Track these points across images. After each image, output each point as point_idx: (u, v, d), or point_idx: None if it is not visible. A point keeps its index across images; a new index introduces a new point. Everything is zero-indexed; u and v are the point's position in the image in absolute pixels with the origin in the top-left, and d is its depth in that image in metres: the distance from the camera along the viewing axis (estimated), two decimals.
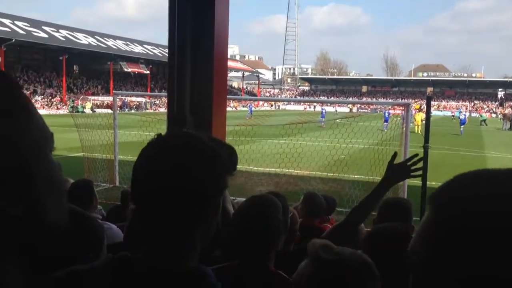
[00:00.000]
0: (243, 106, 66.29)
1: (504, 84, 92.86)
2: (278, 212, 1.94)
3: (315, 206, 4.05)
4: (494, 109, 78.53)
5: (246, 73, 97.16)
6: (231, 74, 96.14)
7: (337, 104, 70.92)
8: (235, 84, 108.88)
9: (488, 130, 38.98)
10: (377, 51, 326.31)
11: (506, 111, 50.69)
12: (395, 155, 2.33)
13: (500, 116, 56.95)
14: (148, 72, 66.56)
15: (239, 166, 9.39)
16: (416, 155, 2.24)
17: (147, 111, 49.60)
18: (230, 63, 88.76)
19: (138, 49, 67.89)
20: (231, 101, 73.26)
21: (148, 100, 57.62)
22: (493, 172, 0.64)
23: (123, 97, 47.97)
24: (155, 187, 1.01)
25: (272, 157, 12.84)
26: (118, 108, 16.28)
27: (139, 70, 66.11)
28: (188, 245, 1.07)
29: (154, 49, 71.15)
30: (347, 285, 1.28)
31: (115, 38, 67.34)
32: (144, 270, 1.02)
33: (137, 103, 56.52)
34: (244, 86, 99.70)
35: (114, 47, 63.30)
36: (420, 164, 2.19)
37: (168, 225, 1.03)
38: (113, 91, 40.61)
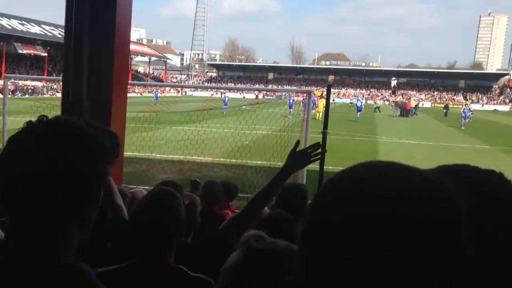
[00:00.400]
0: (148, 92, 64.50)
1: (397, 74, 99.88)
2: (179, 205, 1.95)
3: (214, 193, 4.17)
4: (387, 97, 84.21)
5: (153, 58, 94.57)
6: (137, 58, 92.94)
7: (244, 91, 71.58)
8: (141, 69, 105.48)
9: (381, 117, 41.76)
10: (284, 39, 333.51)
11: (398, 99, 54.61)
12: (297, 143, 2.33)
13: (392, 103, 61.15)
14: (45, 54, 62.32)
15: (141, 154, 9.31)
16: (318, 143, 2.30)
17: (43, 96, 46.59)
18: (136, 47, 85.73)
19: (35, 29, 63.17)
20: (136, 86, 71.04)
21: (45, 85, 54.06)
22: (369, 165, 0.68)
23: (16, 81, 44.56)
24: (16, 175, 0.93)
25: (176, 144, 12.79)
26: (10, 93, 15.15)
27: (36, 52, 61.70)
28: (63, 241, 0.98)
29: (53, 30, 66.59)
30: (279, 274, 1.23)
31: (9, 17, 61.97)
32: (13, 270, 0.93)
33: (32, 88, 52.83)
34: (151, 72, 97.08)
35: (8, 26, 58.36)
36: (319, 151, 2.25)
37: (37, 219, 0.94)
38: (5, 74, 37.19)
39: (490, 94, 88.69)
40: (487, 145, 21.79)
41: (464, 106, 36.36)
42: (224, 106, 31.67)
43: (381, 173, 0.63)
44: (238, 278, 1.24)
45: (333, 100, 70.11)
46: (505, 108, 77.74)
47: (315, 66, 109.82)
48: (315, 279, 0.61)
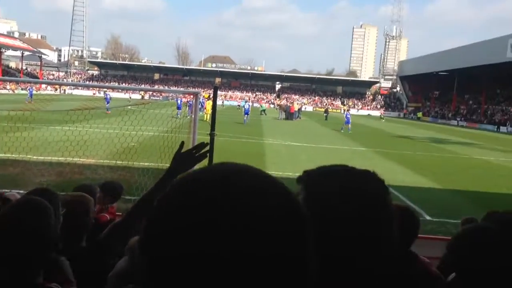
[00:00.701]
0: (22, 89, 59.62)
1: (281, 78, 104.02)
2: (45, 218, 1.75)
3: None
4: (272, 100, 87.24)
5: (26, 53, 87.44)
6: (7, 52, 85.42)
7: (130, 91, 69.31)
8: (12, 64, 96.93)
9: (267, 120, 43.13)
10: (170, 39, 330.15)
11: (282, 103, 56.78)
12: (182, 144, 2.25)
13: (276, 107, 63.47)
14: None
15: (14, 155, 8.45)
16: (202, 143, 2.23)
17: None
18: (7, 40, 78.91)
19: None
20: (7, 83, 65.14)
21: None
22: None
23: None
24: None
25: (54, 145, 11.86)
26: None
27: None
28: None
29: None
30: None
31: None
32: None
33: None
34: (24, 67, 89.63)
35: None
36: (206, 151, 2.18)
37: None
38: None
39: (364, 100, 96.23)
40: (363, 147, 23.52)
41: (346, 112, 38.09)
42: (107, 105, 30.35)
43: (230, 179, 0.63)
44: (126, 283, 1.24)
45: (223, 102, 71.08)
46: (377, 113, 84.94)
47: (202, 68, 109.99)
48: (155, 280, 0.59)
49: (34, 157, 11.88)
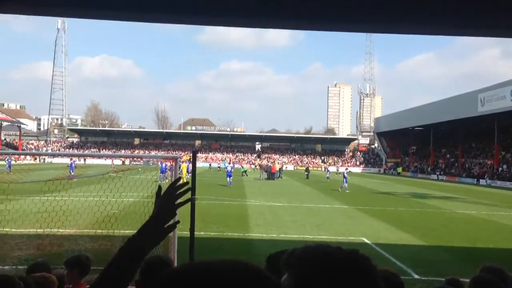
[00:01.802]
0: (0, 160, 58.76)
1: (260, 138, 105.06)
2: None
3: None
4: (253, 161, 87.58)
5: (5, 123, 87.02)
6: None
7: (111, 157, 68.89)
8: None
9: (249, 180, 43.08)
10: (149, 104, 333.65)
11: (263, 163, 57.05)
12: (159, 189, 1.90)
13: (257, 167, 63.62)
14: None
15: None
16: (179, 178, 2.06)
17: None
18: None
19: None
20: None
21: None
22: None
23: None
24: None
25: (32, 216, 11.58)
26: None
27: None
28: None
29: None
30: None
31: None
32: None
33: None
34: (2, 138, 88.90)
35: None
36: (187, 186, 1.87)
37: None
38: None
39: (343, 157, 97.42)
40: (345, 205, 23.53)
41: (345, 171, 36.75)
42: (72, 172, 30.25)
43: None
44: None
45: (210, 165, 71.35)
46: (357, 169, 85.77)
47: (182, 131, 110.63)
48: None
49: (12, 230, 11.55)
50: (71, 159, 40.80)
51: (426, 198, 30.28)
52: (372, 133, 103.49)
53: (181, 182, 1.94)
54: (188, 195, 1.96)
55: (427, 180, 62.63)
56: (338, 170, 47.60)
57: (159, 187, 1.92)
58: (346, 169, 39.41)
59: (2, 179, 16.31)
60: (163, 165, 33.36)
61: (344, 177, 34.65)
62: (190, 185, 1.99)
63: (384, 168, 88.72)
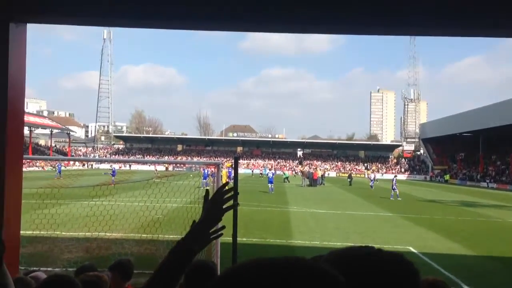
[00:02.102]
0: (51, 166, 61.19)
1: (302, 145, 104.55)
2: None
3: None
4: (294, 167, 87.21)
5: (55, 130, 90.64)
6: (37, 131, 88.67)
7: (155, 163, 70.50)
8: (42, 142, 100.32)
9: (291, 187, 42.89)
10: (191, 111, 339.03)
11: (305, 169, 56.64)
12: (207, 193, 1.92)
13: (299, 173, 63.28)
14: None
15: (42, 232, 8.44)
16: (227, 183, 1.98)
17: None
18: (36, 119, 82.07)
19: None
20: (37, 160, 67.06)
21: None
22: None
23: None
24: None
25: (81, 220, 11.96)
26: None
27: None
28: None
29: None
30: None
31: None
32: None
33: None
34: (53, 144, 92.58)
35: None
36: (232, 191, 1.90)
37: None
38: None
39: (387, 163, 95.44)
40: (390, 212, 22.98)
41: (394, 178, 35.65)
42: (113, 178, 30.98)
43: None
44: None
45: (252, 171, 71.68)
46: (402, 177, 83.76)
47: (224, 137, 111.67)
48: None
49: (62, 233, 11.94)
50: (110, 166, 41.94)
51: (476, 206, 29.15)
52: (417, 139, 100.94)
53: (227, 187, 1.96)
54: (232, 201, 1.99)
55: (477, 188, 60.39)
56: (372, 178, 45.92)
57: (207, 191, 1.93)
58: (395, 176, 38.26)
59: (53, 184, 16.98)
60: (205, 171, 33.82)
61: (393, 184, 33.63)
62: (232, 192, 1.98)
63: (430, 175, 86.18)
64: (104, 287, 2.67)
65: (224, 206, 1.95)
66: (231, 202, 1.96)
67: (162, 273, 1.78)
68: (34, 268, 6.03)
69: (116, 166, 45.82)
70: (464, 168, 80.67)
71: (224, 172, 34.64)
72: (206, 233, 1.83)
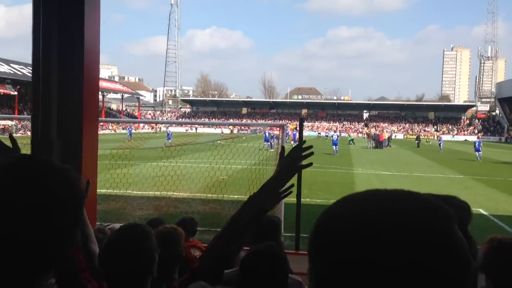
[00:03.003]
0: (122, 129, 64.13)
1: (368, 106, 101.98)
2: (147, 240, 1.88)
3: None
4: (360, 129, 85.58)
5: (126, 95, 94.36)
6: (109, 95, 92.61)
7: (220, 126, 71.87)
8: (114, 106, 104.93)
9: (356, 149, 42.26)
10: (256, 74, 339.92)
11: (371, 131, 55.46)
12: (283, 149, 1.97)
13: (365, 136, 62.11)
14: (15, 93, 61.55)
15: (116, 191, 8.96)
16: (304, 141, 1.96)
17: (14, 135, 45.78)
18: (108, 85, 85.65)
19: (3, 68, 62.46)
20: (110, 123, 70.53)
21: (15, 123, 53.16)
22: (359, 195, 0.73)
23: None
24: None
25: (151, 180, 12.55)
26: None
27: (5, 91, 60.95)
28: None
29: (22, 68, 65.88)
30: None
31: None
32: None
33: (3, 126, 51.86)
34: (124, 108, 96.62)
35: None
36: (310, 148, 1.91)
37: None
38: None
39: (459, 125, 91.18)
40: (461, 174, 22.14)
41: (477, 139, 34.91)
42: (168, 140, 32.09)
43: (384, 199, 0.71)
44: None
45: (319, 133, 71.55)
46: (474, 138, 79.85)
47: (288, 100, 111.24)
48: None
49: (134, 192, 12.63)
50: (166, 128, 43.12)
51: None
52: (492, 99, 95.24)
53: (306, 145, 1.92)
54: (311, 159, 1.96)
55: None
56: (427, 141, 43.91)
57: (283, 148, 1.98)
58: (478, 137, 36.99)
59: (124, 146, 17.86)
60: (266, 133, 34.08)
61: (477, 146, 32.78)
62: (313, 149, 1.98)
63: (506, 136, 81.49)
64: (180, 238, 2.84)
65: (300, 164, 1.95)
66: (308, 160, 1.96)
67: (235, 226, 1.87)
68: (108, 223, 6.49)
69: (172, 129, 47.24)
70: None
71: (290, 134, 34.59)
72: (279, 189, 1.86)
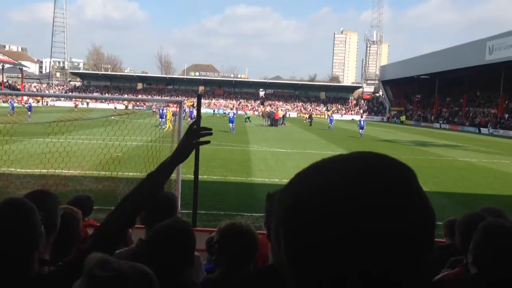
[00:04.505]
0: (3, 102, 58.83)
1: (264, 85, 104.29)
2: (30, 216, 1.75)
3: None
4: (256, 107, 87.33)
5: (7, 65, 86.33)
6: None
7: (114, 101, 68.90)
8: None
9: (252, 127, 43.14)
10: (152, 49, 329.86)
11: (267, 109, 56.82)
12: (190, 126, 2.08)
13: (260, 113, 63.51)
14: None
15: None
16: (199, 118, 2.20)
17: None
18: None
19: None
20: None
21: None
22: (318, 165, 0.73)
23: None
24: None
25: (37, 157, 11.70)
26: None
27: None
28: None
29: None
30: None
31: None
32: None
33: None
34: (5, 80, 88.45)
35: None
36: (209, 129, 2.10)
37: None
38: None
39: (347, 105, 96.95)
40: (347, 151, 23.56)
41: (361, 118, 38.01)
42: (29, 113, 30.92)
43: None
44: None
45: (214, 110, 70.84)
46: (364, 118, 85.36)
47: (185, 76, 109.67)
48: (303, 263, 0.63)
49: (17, 169, 11.70)
50: (25, 102, 41.22)
51: (428, 146, 30.37)
52: (377, 82, 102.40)
53: (205, 123, 2.03)
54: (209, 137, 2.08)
55: (430, 128, 62.61)
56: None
57: (190, 125, 2.08)
58: (361, 116, 40.61)
59: (6, 120, 16.39)
60: (161, 110, 33.64)
61: (362, 124, 35.84)
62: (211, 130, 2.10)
63: (387, 116, 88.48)
64: (78, 221, 2.68)
65: (195, 141, 2.01)
66: (205, 138, 2.04)
67: (130, 203, 1.85)
68: None
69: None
70: (420, 110, 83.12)
71: (168, 110, 33.95)
72: (176, 164, 1.97)
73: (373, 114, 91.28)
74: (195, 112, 30.93)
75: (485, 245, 2.08)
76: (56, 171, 9.65)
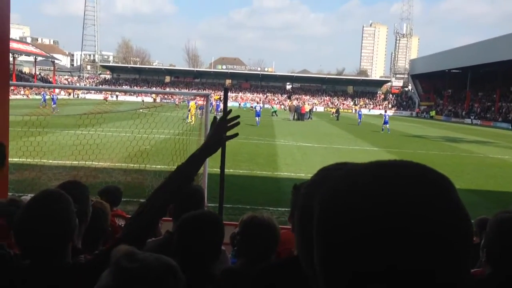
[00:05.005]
0: (36, 94, 60.27)
1: (291, 79, 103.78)
2: (66, 208, 1.80)
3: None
4: (282, 101, 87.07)
5: (39, 58, 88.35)
6: (20, 58, 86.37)
7: (142, 94, 69.80)
8: (26, 70, 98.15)
9: (278, 121, 43.06)
10: (180, 42, 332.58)
11: (293, 103, 56.59)
12: (214, 119, 2.06)
13: (287, 108, 63.28)
14: None
15: (29, 160, 8.41)
16: (230, 110, 2.11)
17: None
18: (19, 46, 79.71)
19: None
20: (21, 88, 65.92)
21: None
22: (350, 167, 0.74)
23: None
24: None
25: (68, 149, 11.96)
26: None
27: None
28: None
29: None
30: None
31: None
32: None
33: None
34: (37, 72, 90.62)
35: None
36: (237, 118, 2.07)
37: None
38: None
39: (375, 99, 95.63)
40: (375, 147, 23.35)
41: (385, 113, 37.50)
42: (53, 105, 31.44)
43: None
44: None
45: (239, 104, 71.07)
46: (389, 112, 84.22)
47: (212, 70, 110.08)
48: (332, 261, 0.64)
49: (49, 161, 11.99)
50: (50, 94, 41.75)
51: (459, 142, 29.73)
52: (406, 76, 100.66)
53: (232, 115, 2.02)
54: (236, 129, 2.02)
55: (461, 124, 61.26)
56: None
57: (214, 118, 2.07)
58: (385, 111, 39.88)
59: (38, 112, 16.82)
60: (189, 103, 33.75)
61: (386, 119, 35.21)
62: (239, 119, 2.06)
63: (416, 111, 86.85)
64: (107, 214, 2.74)
65: (225, 135, 2.01)
66: (234, 130, 2.02)
67: (160, 195, 1.89)
68: (21, 194, 6.11)
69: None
70: (450, 105, 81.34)
71: (192, 104, 34.10)
72: (205, 158, 1.97)
73: (401, 109, 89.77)
74: (221, 106, 31.08)
75: (497, 242, 1.99)
76: (87, 163, 9.86)
